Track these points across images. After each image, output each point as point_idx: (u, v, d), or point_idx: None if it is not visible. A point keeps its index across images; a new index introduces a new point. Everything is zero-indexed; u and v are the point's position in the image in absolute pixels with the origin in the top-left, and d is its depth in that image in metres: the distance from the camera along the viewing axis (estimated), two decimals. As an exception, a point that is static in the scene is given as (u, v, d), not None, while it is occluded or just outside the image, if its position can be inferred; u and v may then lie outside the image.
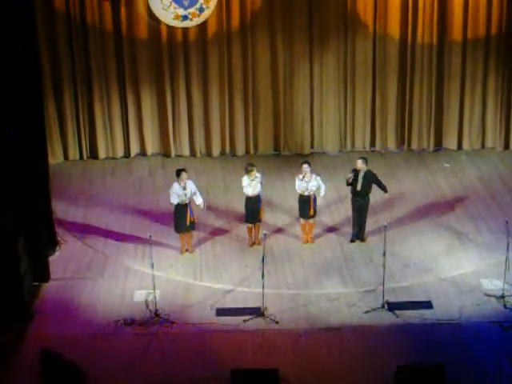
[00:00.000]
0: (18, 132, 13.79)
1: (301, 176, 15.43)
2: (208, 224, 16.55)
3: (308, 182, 15.38)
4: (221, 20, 19.01)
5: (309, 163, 15.56)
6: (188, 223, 15.23)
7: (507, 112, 19.89)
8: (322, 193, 15.60)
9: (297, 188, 15.53)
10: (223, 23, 19.04)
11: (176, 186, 15.11)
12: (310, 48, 19.33)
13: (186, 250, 15.54)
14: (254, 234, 15.72)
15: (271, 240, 15.65)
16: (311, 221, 15.74)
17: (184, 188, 15.05)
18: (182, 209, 15.16)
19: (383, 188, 15.63)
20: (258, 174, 15.45)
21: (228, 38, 19.16)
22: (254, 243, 15.67)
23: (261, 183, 15.37)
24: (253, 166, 15.53)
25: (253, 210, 15.48)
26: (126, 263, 15.28)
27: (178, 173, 15.18)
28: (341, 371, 12.29)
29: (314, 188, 15.45)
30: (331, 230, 16.36)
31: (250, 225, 15.69)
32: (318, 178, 15.54)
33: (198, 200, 15.27)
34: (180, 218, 15.22)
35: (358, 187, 15.43)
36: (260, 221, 15.67)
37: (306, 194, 15.45)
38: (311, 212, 15.54)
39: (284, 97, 19.67)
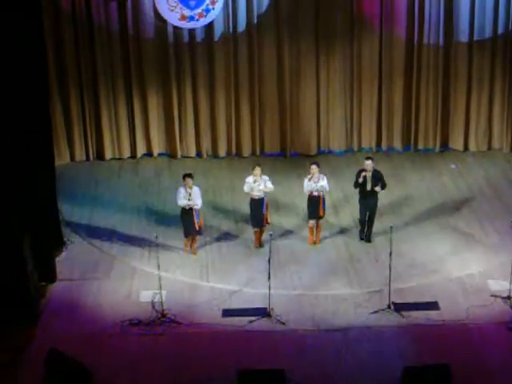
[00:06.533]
0: (24, 133, 13.81)
1: (309, 177, 15.44)
2: (214, 225, 16.56)
3: (316, 182, 15.39)
4: (227, 21, 19.03)
5: (317, 164, 15.57)
6: (196, 228, 15.23)
7: (514, 113, 19.91)
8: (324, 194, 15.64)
9: (305, 189, 15.53)
10: (229, 24, 19.06)
11: (182, 191, 15.13)
12: (317, 49, 19.34)
13: (191, 253, 15.53)
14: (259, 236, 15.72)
15: (277, 241, 15.65)
16: (319, 221, 15.72)
17: (189, 194, 15.05)
18: (187, 213, 15.18)
19: (383, 185, 15.60)
20: (266, 177, 15.44)
21: (234, 39, 19.19)
22: (261, 246, 15.62)
23: (266, 185, 15.34)
24: (258, 165, 15.54)
25: (256, 213, 15.47)
26: (132, 264, 15.29)
27: (183, 178, 15.21)
28: (347, 372, 12.28)
29: (322, 187, 15.44)
30: (337, 230, 16.35)
31: (256, 229, 15.67)
32: (325, 178, 15.53)
33: (195, 202, 15.15)
34: (187, 223, 15.23)
35: (368, 187, 15.45)
36: (265, 225, 15.60)
37: (315, 194, 15.45)
38: (321, 212, 15.53)
39: (290, 98, 19.68)
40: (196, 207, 15.13)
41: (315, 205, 15.53)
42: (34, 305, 13.74)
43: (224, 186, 18.37)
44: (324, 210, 15.63)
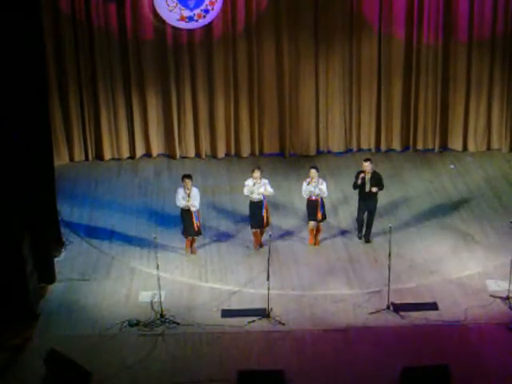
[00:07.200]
0: (23, 133, 13.82)
1: (308, 180, 15.43)
2: (213, 225, 16.56)
3: (315, 186, 15.38)
4: (226, 21, 19.02)
5: (317, 168, 15.55)
6: (196, 229, 15.25)
7: (513, 113, 19.92)
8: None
9: (303, 192, 15.51)
10: (229, 24, 19.05)
11: (180, 192, 15.14)
12: (316, 49, 19.34)
13: (191, 253, 15.55)
14: (259, 237, 15.72)
15: (277, 241, 15.65)
16: (319, 224, 15.70)
17: (188, 195, 15.06)
18: (187, 214, 15.19)
19: (381, 188, 15.62)
20: (266, 180, 15.43)
21: (233, 39, 19.18)
22: (260, 246, 15.64)
23: (266, 189, 15.33)
24: (258, 168, 15.54)
25: (256, 214, 15.47)
26: (131, 264, 15.29)
27: (182, 179, 15.22)
28: (346, 372, 12.28)
29: (321, 192, 15.43)
30: (336, 231, 16.35)
31: (254, 230, 15.67)
32: (324, 183, 15.49)
33: (193, 203, 15.15)
34: (187, 223, 15.24)
35: (367, 188, 15.45)
36: (265, 226, 15.60)
37: (314, 198, 15.44)
38: (319, 215, 15.52)
39: (289, 98, 19.67)
40: (193, 209, 15.14)
41: (314, 208, 15.52)
42: (34, 305, 13.74)
43: (223, 187, 18.37)
44: (323, 213, 15.58)
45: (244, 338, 13.08)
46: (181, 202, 15.11)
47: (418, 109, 19.87)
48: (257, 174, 15.32)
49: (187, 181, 15.10)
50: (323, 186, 15.42)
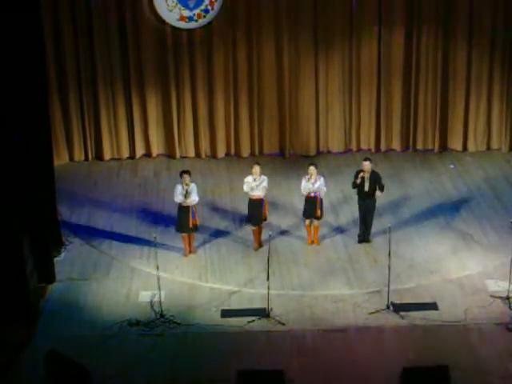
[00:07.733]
0: (23, 133, 13.82)
1: (307, 177, 15.44)
2: (213, 225, 16.57)
3: (314, 183, 15.40)
4: (226, 21, 19.02)
5: (315, 165, 15.56)
6: (190, 225, 15.24)
7: (513, 113, 19.93)
8: (322, 195, 15.64)
9: (302, 189, 15.53)
10: (228, 24, 19.05)
11: (179, 187, 15.14)
12: (316, 49, 19.35)
13: (190, 252, 15.54)
14: (258, 236, 15.72)
15: (276, 241, 15.65)
16: (316, 222, 15.73)
17: (186, 190, 15.06)
18: (184, 210, 15.18)
19: (381, 188, 15.61)
20: (264, 177, 15.44)
21: (233, 40, 19.19)
22: (260, 246, 15.65)
23: (265, 186, 15.35)
24: (258, 163, 15.55)
25: (254, 212, 15.48)
26: (131, 264, 15.30)
27: (180, 174, 15.22)
28: (346, 372, 12.28)
29: (320, 189, 15.44)
30: (336, 230, 16.36)
31: (253, 227, 15.67)
32: (322, 179, 15.53)
33: (192, 197, 15.17)
34: (182, 219, 15.23)
35: (366, 188, 15.45)
36: (262, 222, 15.63)
37: (313, 195, 15.45)
38: (317, 213, 15.53)
39: (289, 98, 19.67)
40: (193, 203, 15.12)
41: (312, 205, 15.52)
42: (34, 305, 13.74)
43: (223, 187, 18.37)
44: (321, 210, 15.61)
45: (244, 338, 13.08)
46: (179, 197, 15.11)
47: (418, 109, 19.88)
48: (256, 169, 15.31)
49: (185, 176, 15.09)
50: (321, 181, 15.43)
